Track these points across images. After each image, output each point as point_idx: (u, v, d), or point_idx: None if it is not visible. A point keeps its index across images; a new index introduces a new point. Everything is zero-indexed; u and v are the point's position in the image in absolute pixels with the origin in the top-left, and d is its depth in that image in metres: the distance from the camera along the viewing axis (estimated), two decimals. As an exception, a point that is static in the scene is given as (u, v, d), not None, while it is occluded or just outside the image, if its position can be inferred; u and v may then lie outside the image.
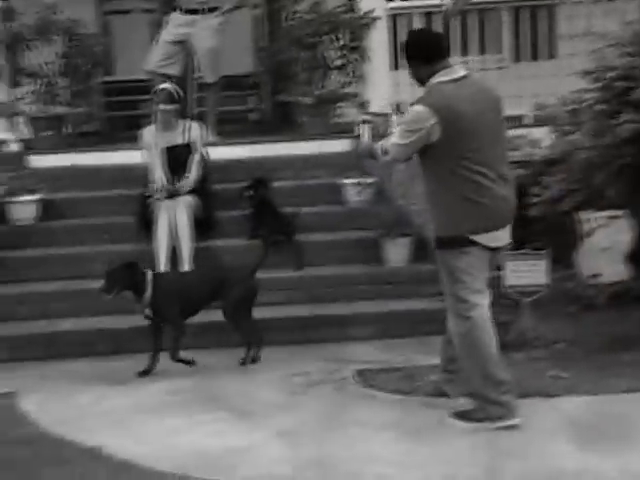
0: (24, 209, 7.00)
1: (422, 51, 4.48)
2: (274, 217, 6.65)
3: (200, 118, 7.76)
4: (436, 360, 5.36)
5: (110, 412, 4.90)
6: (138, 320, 5.92)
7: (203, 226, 6.63)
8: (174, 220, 6.39)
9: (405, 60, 4.62)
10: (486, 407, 4.40)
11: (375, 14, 7.93)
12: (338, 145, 7.42)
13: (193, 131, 6.81)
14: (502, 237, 4.48)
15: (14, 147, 7.95)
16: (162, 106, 6.65)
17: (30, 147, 8.10)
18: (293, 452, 4.26)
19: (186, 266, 6.24)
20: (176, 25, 8.07)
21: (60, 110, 8.13)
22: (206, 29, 8.05)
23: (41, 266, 6.59)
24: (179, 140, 6.77)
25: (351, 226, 6.71)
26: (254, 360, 5.56)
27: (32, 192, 7.02)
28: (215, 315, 5.78)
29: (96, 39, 8.56)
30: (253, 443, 4.38)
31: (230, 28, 8.48)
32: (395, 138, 4.49)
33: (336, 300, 6.13)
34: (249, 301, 5.59)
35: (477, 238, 4.34)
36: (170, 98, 6.66)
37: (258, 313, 6.02)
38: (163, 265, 6.23)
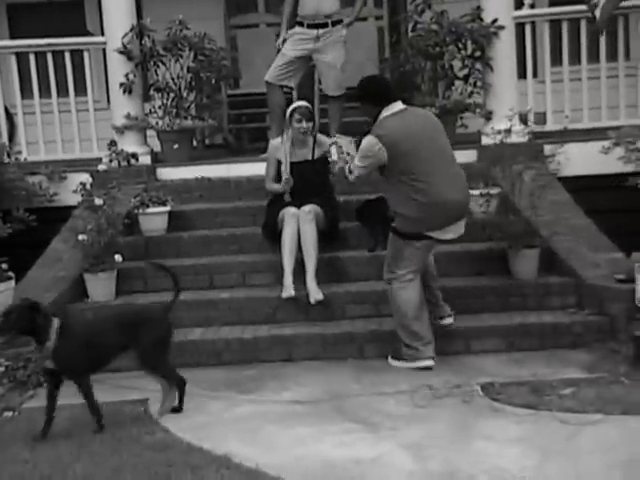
0: (154, 220, 7.21)
1: (372, 96, 5.67)
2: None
3: (322, 130, 7.84)
4: (565, 374, 5.31)
5: (238, 420, 4.99)
6: (264, 330, 6.06)
7: (327, 237, 6.66)
8: (300, 229, 6.40)
9: (358, 100, 5.78)
10: (404, 349, 5.67)
11: (500, 22, 7.87)
12: (462, 156, 7.30)
13: (323, 145, 6.76)
14: (454, 230, 5.61)
15: (145, 160, 8.18)
16: (303, 124, 6.63)
17: (159, 160, 8.36)
18: (420, 465, 4.26)
19: (311, 277, 6.29)
20: (300, 40, 8.07)
21: (188, 123, 8.33)
22: (331, 43, 8.07)
23: (168, 277, 6.72)
24: (309, 156, 6.78)
25: (477, 238, 6.62)
26: (178, 409, 5.13)
27: (162, 204, 7.22)
28: (350, 326, 5.88)
29: (223, 53, 8.70)
30: (380, 455, 4.40)
31: (355, 40, 8.54)
32: (357, 161, 5.69)
33: (462, 312, 6.05)
34: (167, 342, 5.10)
35: (431, 234, 5.52)
36: (305, 115, 6.64)
37: (381, 325, 6.07)
38: (289, 276, 6.28)
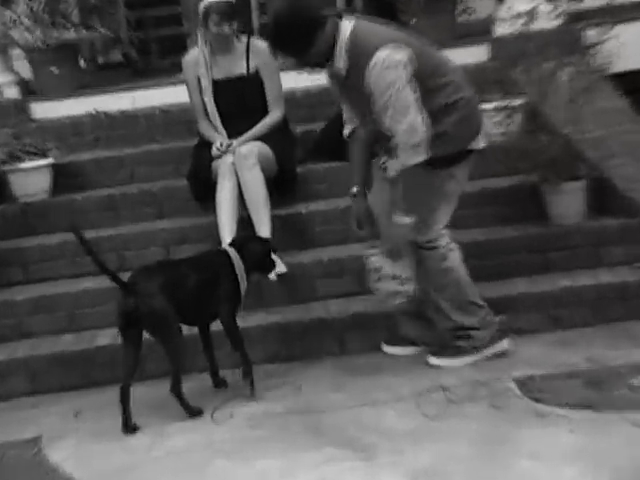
0: (32, 179, 7.18)
1: (304, 27, 5.22)
2: None
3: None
4: (636, 357, 5.37)
5: (175, 456, 4.97)
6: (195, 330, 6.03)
7: (279, 185, 6.72)
8: (241, 180, 6.45)
9: (288, 54, 5.39)
10: (464, 337, 5.62)
11: None
12: (468, 54, 7.34)
13: (259, 54, 6.74)
14: None
15: (11, 93, 8.14)
16: (214, 28, 6.60)
17: (33, 91, 8.27)
18: (438, 501, 4.29)
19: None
20: None
21: (70, 35, 8.24)
22: None
23: (62, 258, 6.75)
24: (239, 69, 6.78)
25: (498, 171, 6.69)
26: None
27: (42, 155, 7.17)
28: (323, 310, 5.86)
29: None
30: (381, 491, 4.41)
31: None
32: (397, 116, 5.12)
33: (485, 278, 6.05)
34: None
35: (473, 144, 5.44)
36: (227, 14, 6.59)
37: (368, 306, 6.09)
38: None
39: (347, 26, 5.26)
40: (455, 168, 5.42)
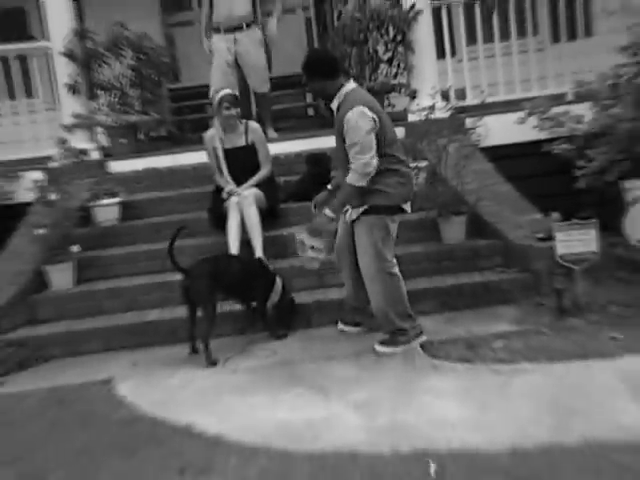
0: (107, 211, 7.13)
1: (328, 67, 5.06)
2: None
3: (259, 118, 7.81)
4: (496, 329, 5.35)
5: (197, 393, 4.96)
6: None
7: (269, 217, 6.69)
8: (243, 213, 6.43)
9: (308, 79, 5.14)
10: (400, 334, 5.28)
11: (418, 7, 7.88)
12: (391, 133, 7.37)
13: (254, 132, 6.78)
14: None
15: (95, 155, 8.08)
16: (225, 112, 6.60)
17: (108, 154, 8.25)
18: (368, 421, 4.29)
19: (259, 254, 6.28)
20: (223, 49, 8.11)
21: (133, 118, 8.24)
22: (249, 44, 8.08)
23: (127, 263, 6.70)
24: (241, 142, 6.75)
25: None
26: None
27: (113, 195, 7.15)
28: (296, 297, 5.88)
29: (162, 50, 8.65)
30: (331, 415, 4.41)
31: (284, 32, 8.50)
32: (358, 154, 4.95)
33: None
34: None
35: (405, 206, 5.17)
36: (232, 103, 6.60)
37: (326, 295, 6.09)
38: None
39: (350, 86, 5.10)
40: (394, 215, 5.17)
